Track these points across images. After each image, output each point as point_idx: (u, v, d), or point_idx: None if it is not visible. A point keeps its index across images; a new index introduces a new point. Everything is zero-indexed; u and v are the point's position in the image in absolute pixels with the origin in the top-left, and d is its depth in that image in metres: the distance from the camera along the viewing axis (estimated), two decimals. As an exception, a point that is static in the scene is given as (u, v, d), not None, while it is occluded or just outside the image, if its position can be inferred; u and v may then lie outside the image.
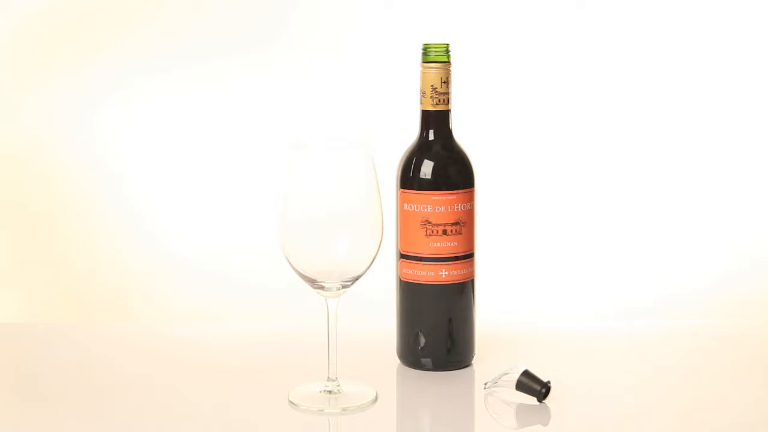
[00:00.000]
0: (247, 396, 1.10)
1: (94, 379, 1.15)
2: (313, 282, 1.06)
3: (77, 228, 2.26)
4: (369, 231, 1.06)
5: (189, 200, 2.25)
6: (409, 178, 1.14)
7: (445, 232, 1.13)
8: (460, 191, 1.14)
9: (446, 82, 1.13)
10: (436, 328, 1.14)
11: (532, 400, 1.08)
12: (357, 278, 1.06)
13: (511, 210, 2.23)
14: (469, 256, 1.15)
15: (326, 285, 1.06)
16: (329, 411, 1.06)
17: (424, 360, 1.15)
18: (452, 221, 1.13)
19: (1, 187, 2.27)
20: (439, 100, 1.14)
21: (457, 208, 1.14)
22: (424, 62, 1.13)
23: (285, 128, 2.21)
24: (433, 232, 1.13)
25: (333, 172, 1.05)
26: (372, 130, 2.19)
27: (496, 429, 1.05)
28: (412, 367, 1.15)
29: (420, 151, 1.15)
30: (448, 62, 1.14)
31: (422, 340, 1.14)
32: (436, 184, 1.13)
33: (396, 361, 1.18)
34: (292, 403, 1.07)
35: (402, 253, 1.14)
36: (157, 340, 1.28)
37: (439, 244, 1.13)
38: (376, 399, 1.08)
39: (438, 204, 1.13)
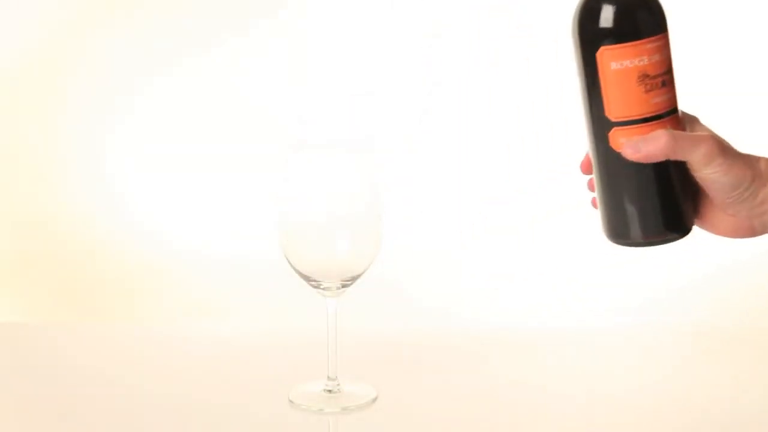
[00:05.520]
0: (247, 395, 1.10)
1: (93, 379, 1.15)
2: (312, 281, 1.07)
3: (78, 228, 2.26)
4: (369, 231, 1.06)
5: (188, 199, 2.25)
6: (618, 31, 0.96)
7: (663, 84, 0.97)
8: (663, 34, 0.97)
9: None
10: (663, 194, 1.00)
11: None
12: (357, 277, 1.06)
13: (508, 209, 2.23)
14: (674, 111, 0.99)
15: (326, 284, 1.06)
16: (329, 410, 1.06)
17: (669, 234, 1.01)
18: (665, 69, 0.97)
19: (1, 188, 2.27)
20: None
21: (665, 54, 0.97)
22: None
23: (284, 129, 2.21)
24: (652, 86, 0.97)
25: (332, 172, 1.05)
26: (372, 128, 2.19)
27: (493, 429, 1.05)
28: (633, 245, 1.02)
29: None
30: None
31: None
32: (649, 27, 0.97)
33: (396, 360, 1.18)
34: (291, 402, 1.07)
35: (616, 121, 0.98)
36: (156, 340, 1.28)
37: (658, 99, 0.97)
38: (376, 399, 1.08)
39: (652, 52, 0.96)
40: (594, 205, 1.03)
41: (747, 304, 2.20)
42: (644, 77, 0.96)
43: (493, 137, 2.22)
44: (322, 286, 1.06)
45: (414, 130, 2.23)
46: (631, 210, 1.00)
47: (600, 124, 0.98)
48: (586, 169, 1.02)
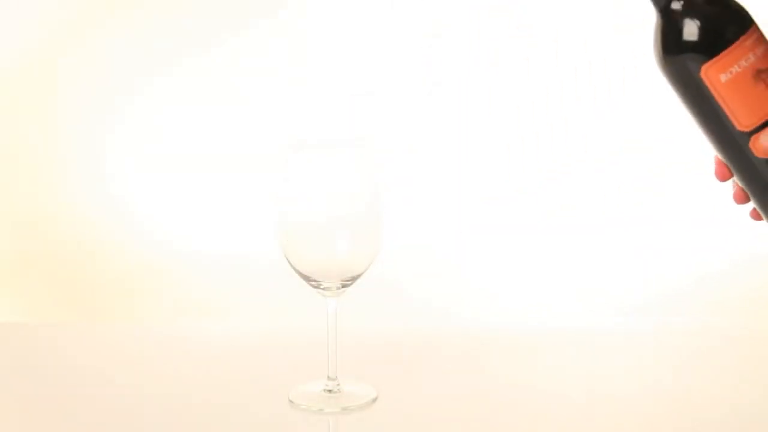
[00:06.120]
0: (247, 395, 1.10)
1: (94, 379, 1.15)
2: (312, 281, 1.07)
3: (78, 228, 2.26)
4: (369, 231, 1.06)
5: (189, 199, 2.25)
6: (714, 41, 0.91)
7: None
8: (754, 24, 0.93)
9: None
10: None
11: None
12: (357, 278, 1.06)
13: (509, 210, 2.23)
14: None
15: (326, 284, 1.06)
16: (329, 410, 1.06)
17: None
18: None
19: (1, 188, 2.27)
20: None
21: (765, 43, 0.93)
22: None
23: (284, 129, 2.21)
24: None
25: (332, 172, 1.05)
26: (372, 128, 2.19)
27: (496, 430, 1.05)
28: None
29: (690, 15, 0.93)
30: None
31: None
32: (740, 24, 0.92)
33: (396, 360, 1.18)
34: (291, 402, 1.08)
35: (751, 130, 0.92)
36: (156, 340, 1.28)
37: None
38: (376, 399, 1.08)
39: (755, 46, 0.92)
40: (753, 216, 0.97)
41: (746, 304, 2.20)
42: (759, 73, 0.91)
43: (493, 137, 2.22)
44: (322, 286, 1.06)
45: (414, 130, 2.23)
46: None
47: (735, 141, 0.93)
48: (722, 176, 0.96)
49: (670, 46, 0.92)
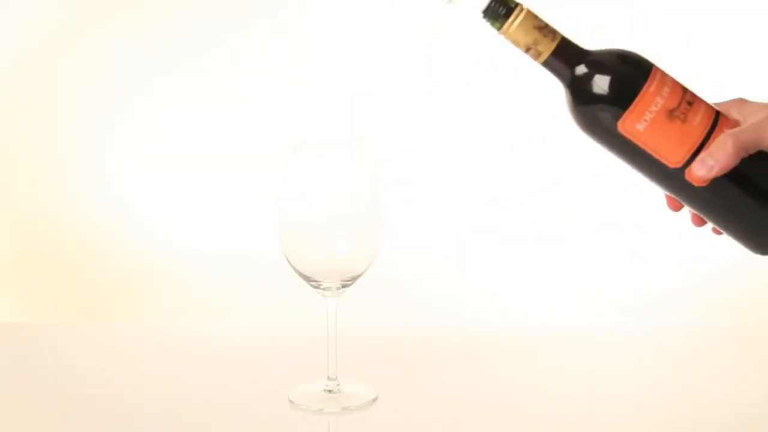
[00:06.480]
0: (247, 395, 1.10)
1: (94, 379, 1.15)
2: (312, 281, 1.07)
3: (78, 228, 2.26)
4: (369, 231, 1.06)
5: (189, 199, 2.25)
6: (621, 97, 0.96)
7: (690, 103, 0.96)
8: (654, 68, 0.96)
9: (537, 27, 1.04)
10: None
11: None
12: (357, 278, 1.06)
13: (510, 209, 2.23)
14: (718, 115, 0.97)
15: (326, 284, 1.06)
16: (329, 410, 1.06)
17: None
18: (681, 91, 0.96)
19: (1, 188, 2.27)
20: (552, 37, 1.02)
21: (670, 81, 0.96)
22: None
23: (284, 129, 2.21)
24: (684, 113, 0.96)
25: (332, 172, 1.05)
26: (372, 128, 2.19)
27: (495, 429, 1.05)
28: None
29: (593, 78, 0.98)
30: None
31: None
32: (641, 73, 0.96)
33: (396, 360, 1.18)
34: (291, 402, 1.08)
35: (682, 165, 0.96)
36: (156, 340, 1.28)
37: (698, 118, 0.95)
38: (376, 399, 1.08)
39: (659, 89, 0.95)
40: (716, 232, 1.01)
41: (746, 304, 2.20)
42: (671, 112, 0.95)
43: (493, 137, 2.22)
44: (322, 286, 1.06)
45: (414, 130, 2.23)
46: (757, 220, 0.99)
47: (672, 177, 0.97)
48: (675, 207, 1.01)
49: (583, 110, 0.97)
